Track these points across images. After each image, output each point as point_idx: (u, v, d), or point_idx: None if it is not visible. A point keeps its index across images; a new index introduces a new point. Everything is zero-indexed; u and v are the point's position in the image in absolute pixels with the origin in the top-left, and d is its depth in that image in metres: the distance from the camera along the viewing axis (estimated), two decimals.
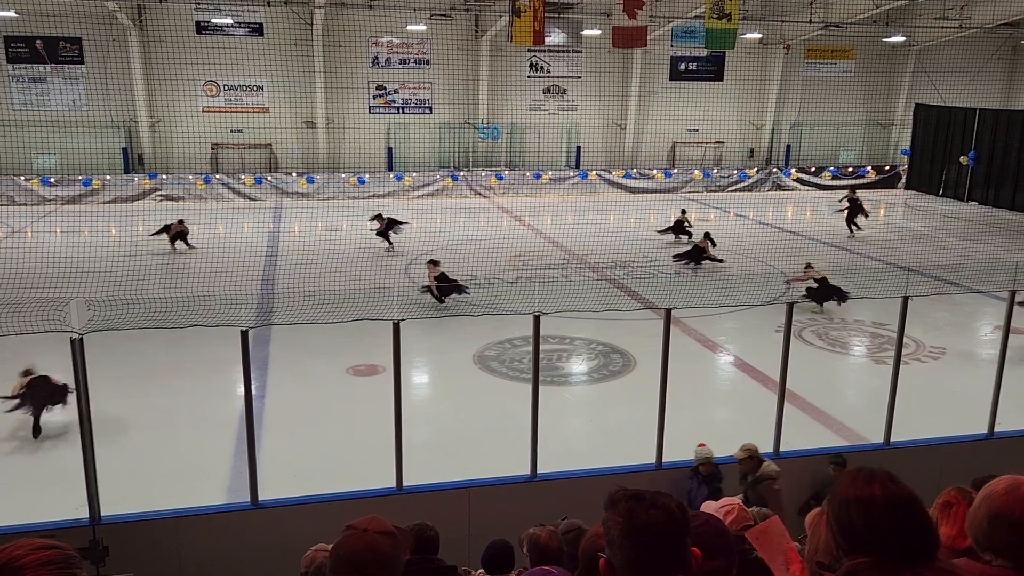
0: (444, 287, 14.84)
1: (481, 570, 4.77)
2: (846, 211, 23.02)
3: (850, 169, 33.08)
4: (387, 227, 20.17)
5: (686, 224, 21.52)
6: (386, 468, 6.87)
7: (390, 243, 20.16)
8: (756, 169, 32.50)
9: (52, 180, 26.46)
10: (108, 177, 27.02)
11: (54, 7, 25.27)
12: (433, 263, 15.20)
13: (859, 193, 24.06)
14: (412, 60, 30.04)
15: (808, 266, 15.34)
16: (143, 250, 19.10)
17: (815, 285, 15.03)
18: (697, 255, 18.55)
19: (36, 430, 9.75)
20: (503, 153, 31.26)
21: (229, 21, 27.83)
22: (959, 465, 7.29)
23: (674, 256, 18.82)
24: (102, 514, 6.34)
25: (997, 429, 8.13)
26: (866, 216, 23.11)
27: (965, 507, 2.90)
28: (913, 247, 21.35)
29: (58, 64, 27.33)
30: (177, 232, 19.92)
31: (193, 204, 26.89)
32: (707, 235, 18.96)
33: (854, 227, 22.89)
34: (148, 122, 28.00)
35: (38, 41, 26.95)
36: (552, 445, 7.15)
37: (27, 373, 9.94)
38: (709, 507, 3.67)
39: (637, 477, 7.09)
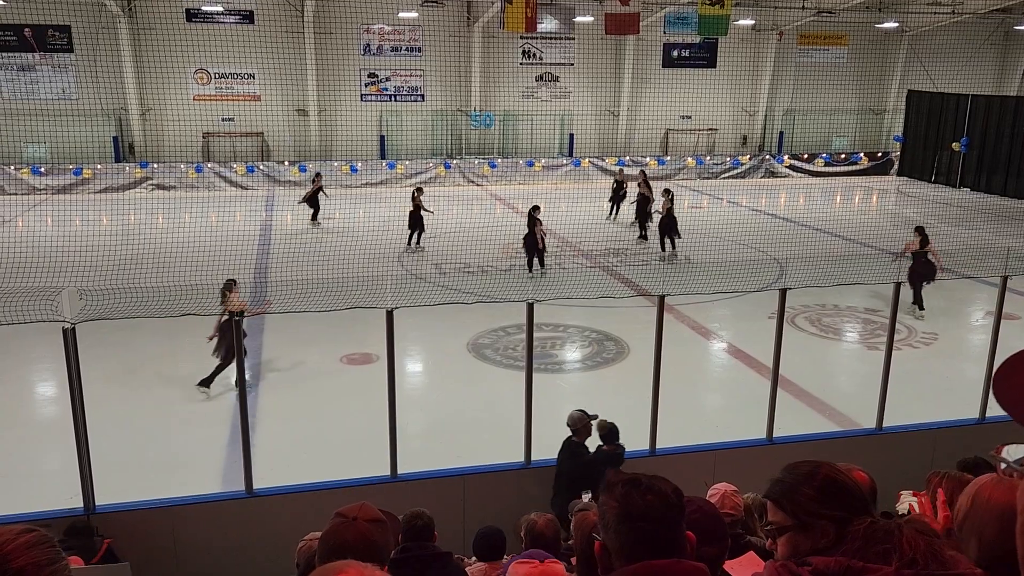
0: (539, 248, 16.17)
1: (475, 558, 4.79)
2: (636, 202, 21.73)
3: (843, 156, 33.09)
4: (314, 194, 21.43)
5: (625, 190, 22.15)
6: (380, 456, 6.88)
7: (316, 213, 21.41)
8: (749, 156, 32.47)
9: (42, 169, 26.28)
10: (99, 166, 26.83)
11: None
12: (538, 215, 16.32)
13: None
14: (404, 48, 29.88)
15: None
16: (135, 239, 19.01)
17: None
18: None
19: (209, 379, 10.22)
20: (496, 141, 31.17)
21: (219, 8, 27.60)
22: (951, 449, 7.35)
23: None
24: (97, 503, 6.34)
25: (988, 414, 8.19)
26: (652, 201, 21.56)
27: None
28: (905, 233, 21.34)
29: (47, 52, 27.08)
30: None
31: (185, 193, 26.77)
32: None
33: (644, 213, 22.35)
34: (139, 111, 27.81)
35: (27, 29, 26.70)
36: (546, 432, 7.16)
37: (228, 289, 10.18)
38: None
39: (631, 463, 7.11)
